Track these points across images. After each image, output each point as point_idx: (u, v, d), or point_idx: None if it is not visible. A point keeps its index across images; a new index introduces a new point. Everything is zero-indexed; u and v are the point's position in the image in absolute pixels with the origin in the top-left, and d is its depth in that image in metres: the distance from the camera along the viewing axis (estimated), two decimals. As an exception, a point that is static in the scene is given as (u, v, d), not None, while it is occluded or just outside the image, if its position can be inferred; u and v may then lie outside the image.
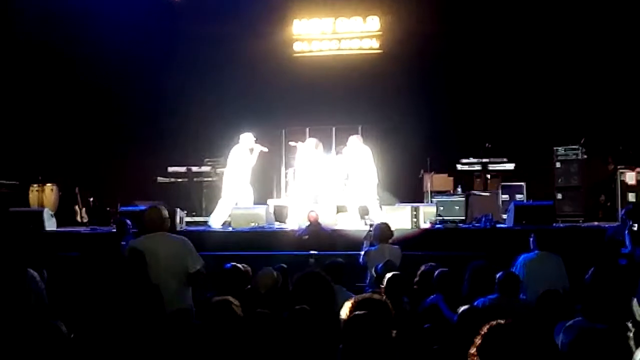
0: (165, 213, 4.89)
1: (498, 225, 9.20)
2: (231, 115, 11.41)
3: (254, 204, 9.99)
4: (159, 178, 11.54)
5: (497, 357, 2.40)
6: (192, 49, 12.17)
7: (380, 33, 12.37)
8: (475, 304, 4.40)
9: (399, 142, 11.41)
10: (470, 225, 9.54)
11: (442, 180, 10.98)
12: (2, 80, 11.76)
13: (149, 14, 11.78)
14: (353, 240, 8.14)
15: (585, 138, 10.48)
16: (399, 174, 11.38)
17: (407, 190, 11.08)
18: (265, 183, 11.32)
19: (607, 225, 8.46)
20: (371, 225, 7.47)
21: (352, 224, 9.48)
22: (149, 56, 11.90)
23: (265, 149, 10.04)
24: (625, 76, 11.01)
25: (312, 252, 7.92)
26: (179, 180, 11.49)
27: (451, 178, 10.99)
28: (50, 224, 9.63)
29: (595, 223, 9.79)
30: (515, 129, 11.22)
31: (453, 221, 9.56)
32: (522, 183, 10.72)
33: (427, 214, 9.29)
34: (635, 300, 3.55)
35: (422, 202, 10.39)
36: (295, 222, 9.49)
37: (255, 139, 9.94)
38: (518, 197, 10.53)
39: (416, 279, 5.51)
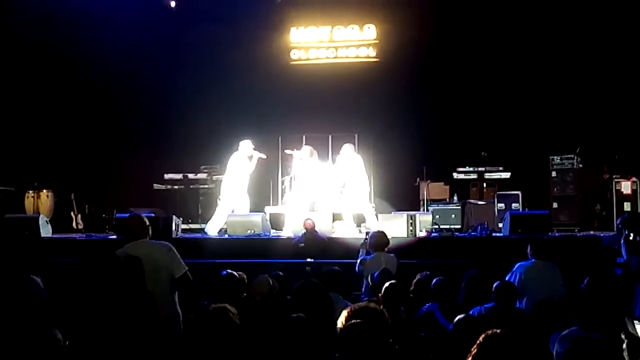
0: (146, 221, 4.93)
1: (494, 234, 9.22)
2: (228, 123, 11.43)
3: (251, 211, 9.99)
4: (155, 185, 11.53)
5: (493, 366, 2.40)
6: (189, 57, 12.20)
7: (377, 42, 12.42)
8: (471, 312, 4.41)
9: (396, 151, 11.44)
10: (467, 234, 9.55)
11: (438, 189, 11.01)
12: (-2, 86, 11.76)
13: (146, 23, 11.77)
14: (349, 247, 8.14)
15: (580, 147, 10.53)
16: (395, 182, 11.41)
17: (404, 198, 11.10)
18: (262, 190, 11.31)
19: (602, 235, 8.49)
20: (367, 234, 7.47)
21: (348, 232, 9.48)
22: (146, 64, 11.90)
23: (264, 156, 10.05)
24: (621, 85, 11.06)
25: (308, 259, 7.93)
26: (175, 187, 11.49)
27: (447, 187, 11.02)
28: (46, 231, 9.60)
29: (591, 232, 9.82)
30: (511, 138, 11.26)
31: (449, 230, 9.57)
32: (518, 192, 10.73)
33: (423, 222, 9.30)
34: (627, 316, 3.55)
35: (419, 210, 10.40)
36: (291, 229, 9.49)
37: (253, 146, 9.95)
38: (514, 206, 10.54)
39: (411, 287, 5.52)
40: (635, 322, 3.16)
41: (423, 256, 8.04)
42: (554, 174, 10.56)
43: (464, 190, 10.85)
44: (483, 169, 10.70)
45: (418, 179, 10.92)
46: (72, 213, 11.06)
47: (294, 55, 12.61)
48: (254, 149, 9.93)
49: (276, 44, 12.51)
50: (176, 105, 12.04)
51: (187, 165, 11.64)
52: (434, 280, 5.17)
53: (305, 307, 3.64)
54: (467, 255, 8.13)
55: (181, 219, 10.15)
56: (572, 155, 10.47)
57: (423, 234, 9.12)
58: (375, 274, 5.77)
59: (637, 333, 3.08)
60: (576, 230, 10.02)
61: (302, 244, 8.44)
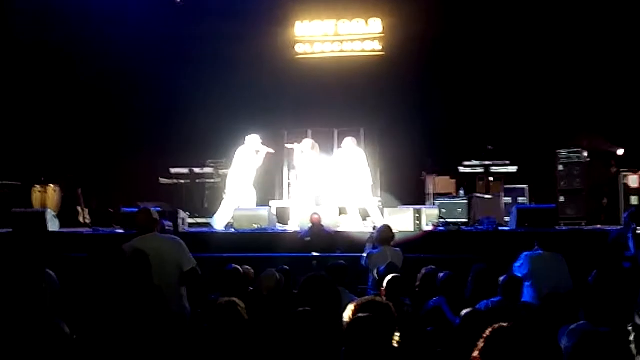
0: (155, 214, 4.95)
1: (500, 228, 9.21)
2: (233, 117, 11.43)
3: (257, 205, 10.00)
4: (161, 179, 11.55)
5: (501, 360, 2.40)
6: (194, 51, 12.20)
7: (382, 35, 12.38)
8: (478, 306, 4.40)
9: (401, 144, 11.42)
10: (473, 228, 9.54)
11: (444, 183, 10.98)
12: (4, 80, 11.78)
13: (151, 17, 11.78)
14: (355, 241, 8.14)
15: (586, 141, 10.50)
16: (401, 176, 11.39)
17: (410, 192, 11.08)
18: (268, 185, 11.32)
19: (609, 229, 8.46)
20: (374, 228, 7.46)
21: (354, 226, 9.48)
22: (151, 59, 11.90)
23: (272, 151, 10.05)
24: (628, 79, 11.00)
25: (314, 254, 7.94)
26: (182, 181, 11.50)
27: (454, 180, 10.99)
28: (53, 225, 9.64)
29: (598, 226, 9.79)
30: (518, 132, 11.21)
31: (455, 224, 9.56)
32: (525, 186, 10.72)
33: (430, 216, 9.29)
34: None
35: (425, 204, 10.38)
36: (297, 223, 9.50)
37: (261, 140, 9.95)
38: (521, 199, 10.53)
39: (417, 282, 5.52)
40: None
41: (429, 250, 8.03)
42: (560, 167, 10.53)
43: (471, 184, 10.82)
44: (489, 162, 10.66)
45: (424, 173, 10.90)
46: (78, 207, 11.09)
47: (299, 49, 12.59)
48: (262, 144, 9.94)
49: (281, 38, 12.48)
50: (182, 99, 12.04)
51: (193, 160, 11.65)
52: (441, 275, 5.17)
53: (312, 301, 3.64)
54: (474, 250, 8.12)
55: (187, 213, 10.17)
56: (579, 149, 10.44)
57: (429, 228, 9.12)
58: (382, 268, 5.78)
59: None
60: (583, 224, 9.99)
61: (308, 238, 8.45)
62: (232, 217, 9.69)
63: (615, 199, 10.26)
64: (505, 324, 2.51)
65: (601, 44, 11.06)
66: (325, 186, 10.00)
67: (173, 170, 11.54)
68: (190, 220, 10.35)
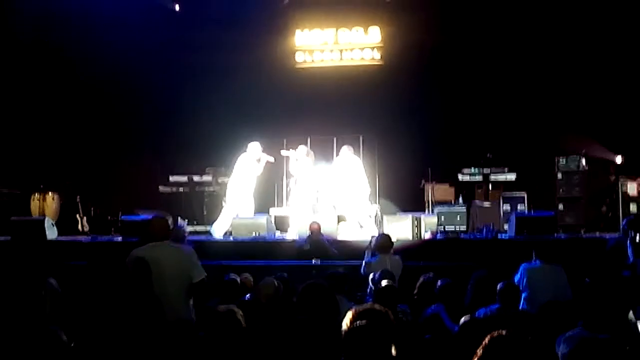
0: (169, 223, 4.93)
1: (499, 236, 9.20)
2: (233, 125, 11.45)
3: (256, 213, 10.00)
4: (160, 187, 11.56)
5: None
6: (194, 59, 12.21)
7: (381, 44, 12.43)
8: (477, 314, 4.40)
9: (400, 152, 11.43)
10: (472, 236, 9.54)
11: (443, 191, 10.99)
12: (3, 85, 11.77)
13: (152, 25, 11.80)
14: (354, 249, 8.14)
15: (585, 149, 10.52)
16: (400, 184, 11.40)
17: (409, 200, 11.08)
18: (267, 192, 11.32)
19: (608, 236, 8.46)
20: (373, 236, 7.46)
21: (353, 234, 9.48)
22: (151, 67, 11.94)
23: (272, 159, 10.05)
24: (627, 87, 11.03)
25: (313, 261, 7.92)
26: (181, 189, 11.52)
27: (452, 188, 11.00)
28: (52, 233, 9.63)
29: (597, 234, 9.78)
30: (516, 139, 11.23)
31: (454, 231, 9.56)
32: (524, 193, 10.72)
33: (429, 224, 9.29)
34: (631, 312, 3.54)
35: (424, 212, 10.39)
36: (296, 231, 9.49)
37: (262, 148, 9.96)
38: (519, 207, 10.53)
39: (416, 289, 5.52)
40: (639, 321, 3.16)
41: (428, 258, 8.03)
42: (559, 175, 10.54)
43: (470, 191, 10.84)
44: (488, 170, 10.68)
45: (423, 181, 10.91)
46: (77, 215, 11.09)
47: (299, 57, 12.63)
48: (263, 152, 9.95)
49: (281, 47, 12.53)
50: (181, 107, 12.06)
51: (193, 168, 11.67)
52: (440, 282, 5.16)
53: (311, 309, 3.63)
54: (473, 257, 8.11)
55: (186, 220, 10.17)
56: (578, 157, 10.45)
57: (428, 235, 9.11)
58: (377, 275, 5.75)
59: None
60: (582, 232, 9.99)
61: (307, 247, 8.44)
62: (231, 225, 9.68)
63: (614, 207, 10.27)
64: (503, 332, 2.51)
65: (600, 51, 11.09)
66: (323, 194, 9.99)
67: (172, 178, 11.56)
68: (190, 228, 10.35)
